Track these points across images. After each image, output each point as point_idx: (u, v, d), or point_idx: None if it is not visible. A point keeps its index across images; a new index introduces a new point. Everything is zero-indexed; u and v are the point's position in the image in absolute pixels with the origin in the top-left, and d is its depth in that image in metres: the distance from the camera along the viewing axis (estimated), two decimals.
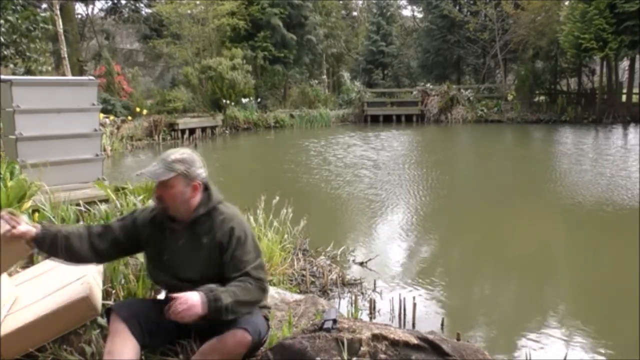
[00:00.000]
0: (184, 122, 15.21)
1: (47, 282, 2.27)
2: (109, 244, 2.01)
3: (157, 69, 29.06)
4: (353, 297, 3.45)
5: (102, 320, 2.17)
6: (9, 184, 3.37)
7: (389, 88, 24.95)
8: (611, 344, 3.05)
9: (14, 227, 1.83)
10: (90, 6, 25.53)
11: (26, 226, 1.87)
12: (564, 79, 21.73)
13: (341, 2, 29.49)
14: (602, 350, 2.96)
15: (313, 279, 3.78)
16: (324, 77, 25.12)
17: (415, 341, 1.88)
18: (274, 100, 21.02)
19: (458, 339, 2.44)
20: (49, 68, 11.94)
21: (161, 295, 2.44)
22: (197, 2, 19.52)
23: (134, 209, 2.10)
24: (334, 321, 1.96)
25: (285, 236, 3.93)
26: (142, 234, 2.05)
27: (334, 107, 21.61)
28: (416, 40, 28.45)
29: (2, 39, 9.01)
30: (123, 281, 2.44)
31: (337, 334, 1.89)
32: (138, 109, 15.75)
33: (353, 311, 3.16)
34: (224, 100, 17.35)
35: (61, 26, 13.21)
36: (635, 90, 20.80)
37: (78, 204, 3.51)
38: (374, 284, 3.81)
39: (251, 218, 3.82)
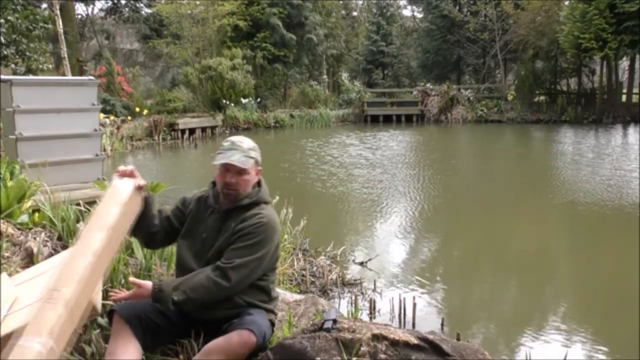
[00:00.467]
0: (184, 122, 15.21)
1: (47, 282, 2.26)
2: (162, 228, 2.17)
3: (157, 69, 29.05)
4: (353, 297, 3.45)
5: (102, 320, 2.17)
6: (9, 184, 3.37)
7: (389, 88, 24.94)
8: (611, 344, 3.05)
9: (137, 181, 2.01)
10: (90, 6, 25.57)
11: (143, 183, 2.04)
12: (564, 79, 21.72)
13: (341, 2, 29.48)
14: (602, 350, 2.96)
15: (313, 279, 3.78)
16: (324, 77, 25.12)
17: (415, 341, 1.88)
18: (273, 100, 21.02)
19: (458, 339, 2.44)
20: (50, 67, 11.94)
21: None
22: (197, 3, 19.52)
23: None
24: (334, 321, 1.95)
25: (286, 236, 3.93)
26: (187, 213, 2.19)
27: (334, 107, 21.61)
28: (416, 40, 28.44)
29: (2, 39, 9.01)
30: (123, 281, 2.44)
31: (337, 334, 1.89)
32: (138, 109, 15.75)
33: (353, 311, 3.16)
34: (224, 100, 17.35)
35: (61, 26, 13.19)
36: (635, 90, 20.80)
37: (78, 204, 3.51)
38: (374, 284, 3.81)
39: None
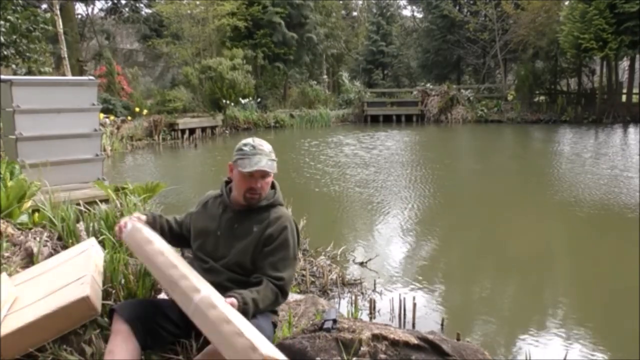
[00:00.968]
0: (184, 122, 15.21)
1: (47, 282, 2.26)
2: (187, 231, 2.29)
3: (157, 69, 29.05)
4: (353, 297, 3.45)
5: (102, 320, 2.17)
6: (9, 184, 3.37)
7: (389, 88, 24.94)
8: (611, 344, 3.05)
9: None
10: (90, 6, 25.56)
11: (141, 215, 2.19)
12: (564, 79, 21.72)
13: (341, 2, 29.48)
14: (602, 350, 2.96)
15: (313, 279, 3.78)
16: (324, 77, 25.12)
17: (415, 341, 1.88)
18: (274, 100, 21.02)
19: (458, 339, 2.44)
20: (50, 69, 11.94)
21: (162, 295, 2.45)
22: (197, 3, 19.52)
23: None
24: (334, 321, 1.96)
25: None
26: (195, 213, 2.27)
27: (334, 107, 21.60)
28: (416, 40, 28.45)
29: (2, 39, 9.01)
30: (123, 281, 2.44)
31: (337, 334, 1.90)
32: (138, 109, 15.75)
33: (353, 311, 3.16)
34: (224, 100, 17.35)
35: (61, 26, 13.20)
36: (635, 90, 20.79)
37: (78, 204, 3.51)
38: (374, 284, 3.81)
39: None
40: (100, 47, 24.51)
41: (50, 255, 2.80)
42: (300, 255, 4.17)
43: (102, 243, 2.85)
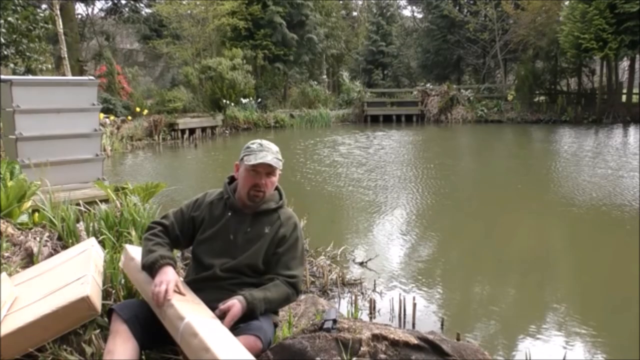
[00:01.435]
0: (184, 122, 15.21)
1: (47, 282, 2.26)
2: (172, 241, 2.18)
3: (157, 69, 29.07)
4: (353, 297, 3.45)
5: (102, 320, 2.17)
6: (9, 184, 3.37)
7: (389, 88, 24.94)
8: (611, 343, 3.05)
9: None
10: (90, 6, 25.55)
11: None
12: (564, 79, 21.72)
13: (341, 2, 29.48)
14: (602, 350, 2.96)
15: (313, 279, 3.78)
16: (324, 77, 25.11)
17: (415, 341, 1.88)
18: (274, 100, 21.02)
19: (458, 339, 2.44)
20: (49, 66, 11.94)
21: None
22: (197, 3, 19.52)
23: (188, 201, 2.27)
24: (334, 321, 1.95)
25: None
26: (198, 218, 2.17)
27: (334, 107, 21.61)
28: (416, 40, 28.44)
29: (2, 39, 9.01)
30: (123, 281, 2.44)
31: (337, 334, 1.89)
32: (138, 109, 15.75)
33: (353, 311, 3.16)
34: (224, 100, 17.35)
35: (61, 26, 13.21)
36: (635, 90, 20.79)
37: (78, 204, 3.51)
38: (374, 284, 3.81)
39: None
40: (100, 47, 24.51)
41: (50, 255, 2.80)
42: None
43: (102, 243, 2.86)
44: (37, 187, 3.54)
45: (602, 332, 3.19)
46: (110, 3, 24.78)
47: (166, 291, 1.87)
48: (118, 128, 13.50)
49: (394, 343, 1.87)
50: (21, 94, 4.34)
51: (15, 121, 4.32)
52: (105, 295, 2.32)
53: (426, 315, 3.38)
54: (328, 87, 25.16)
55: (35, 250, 2.76)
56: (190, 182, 8.47)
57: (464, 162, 11.01)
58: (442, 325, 3.18)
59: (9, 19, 9.12)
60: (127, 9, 24.64)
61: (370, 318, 3.27)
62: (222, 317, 1.89)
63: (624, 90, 19.44)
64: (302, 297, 2.87)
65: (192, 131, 15.15)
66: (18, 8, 9.62)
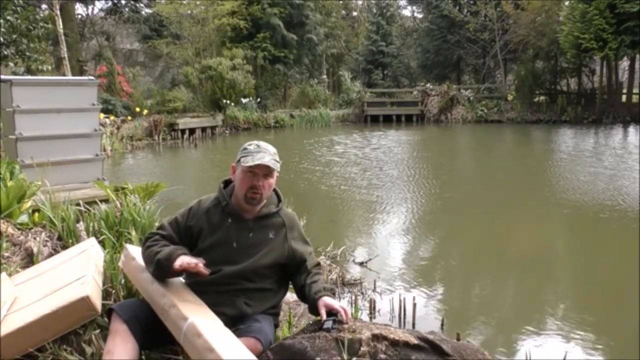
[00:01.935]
0: (184, 122, 15.21)
1: (47, 282, 2.26)
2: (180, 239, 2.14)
3: (157, 69, 29.07)
4: (353, 297, 3.45)
5: (102, 320, 2.17)
6: (9, 184, 3.37)
7: (389, 88, 24.94)
8: (611, 343, 3.05)
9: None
10: (90, 6, 25.55)
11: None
12: (564, 79, 21.72)
13: (341, 2, 29.47)
14: (602, 350, 2.96)
15: None
16: (324, 77, 25.11)
17: (415, 341, 1.88)
18: (274, 100, 21.02)
19: (458, 339, 2.44)
20: (49, 67, 11.94)
21: None
22: (198, 2, 19.52)
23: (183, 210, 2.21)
24: (334, 321, 1.95)
25: None
26: (196, 227, 2.11)
27: (334, 107, 21.61)
28: (416, 40, 28.43)
29: (2, 39, 9.01)
30: (123, 281, 2.44)
31: (337, 334, 1.89)
32: (138, 109, 15.76)
33: (353, 311, 3.16)
34: (224, 100, 17.34)
35: (61, 26, 13.21)
36: (635, 90, 20.79)
37: (78, 204, 3.51)
38: (374, 284, 3.81)
39: None
40: (100, 47, 24.51)
41: (50, 255, 2.80)
42: None
43: (102, 243, 2.86)
44: (37, 187, 3.54)
45: (602, 331, 3.19)
46: (110, 3, 24.78)
47: (197, 264, 1.91)
48: (118, 128, 13.51)
49: (394, 343, 1.87)
50: (21, 94, 4.34)
51: (15, 121, 4.32)
52: (105, 295, 2.32)
53: (426, 315, 3.38)
54: (328, 87, 25.15)
55: (35, 250, 2.76)
56: (190, 182, 8.47)
57: (464, 162, 11.01)
58: (442, 325, 3.18)
59: (9, 18, 9.12)
60: (127, 9, 24.63)
61: (370, 318, 3.27)
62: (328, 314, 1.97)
63: (624, 90, 19.45)
64: None
65: (192, 131, 15.15)
66: (18, 8, 9.62)
